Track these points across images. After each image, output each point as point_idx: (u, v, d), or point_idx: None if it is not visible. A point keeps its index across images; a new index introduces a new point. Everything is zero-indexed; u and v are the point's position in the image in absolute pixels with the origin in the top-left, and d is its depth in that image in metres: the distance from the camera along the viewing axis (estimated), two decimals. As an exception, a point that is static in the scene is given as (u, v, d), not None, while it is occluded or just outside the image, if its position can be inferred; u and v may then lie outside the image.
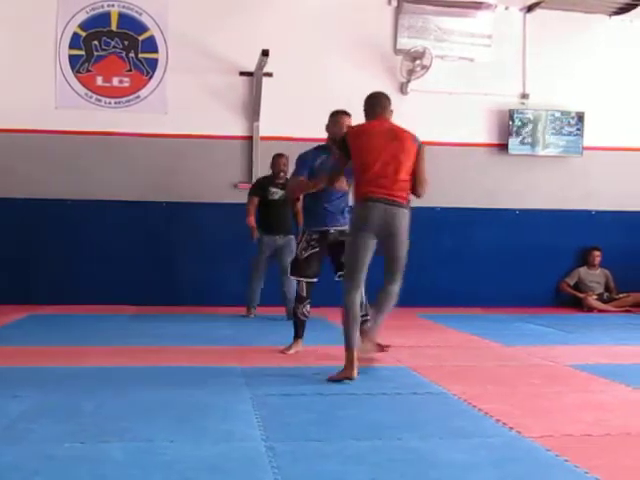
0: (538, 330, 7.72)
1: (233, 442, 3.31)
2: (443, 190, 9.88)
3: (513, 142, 10.00)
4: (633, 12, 10.11)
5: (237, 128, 9.60)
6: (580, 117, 10.06)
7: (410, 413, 3.92)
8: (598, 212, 9.85)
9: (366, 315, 5.57)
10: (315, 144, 9.76)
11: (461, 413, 3.94)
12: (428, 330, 7.68)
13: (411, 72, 9.67)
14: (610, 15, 10.31)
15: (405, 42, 9.81)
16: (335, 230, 5.82)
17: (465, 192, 9.96)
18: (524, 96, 10.10)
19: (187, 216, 9.48)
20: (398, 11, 9.87)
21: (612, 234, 9.79)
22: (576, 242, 9.96)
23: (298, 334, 6.00)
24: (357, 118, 9.49)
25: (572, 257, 10.00)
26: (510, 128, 9.97)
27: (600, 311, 9.48)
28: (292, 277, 6.02)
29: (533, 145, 10.06)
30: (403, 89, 9.87)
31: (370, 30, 9.84)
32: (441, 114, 9.85)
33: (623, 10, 10.16)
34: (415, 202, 9.97)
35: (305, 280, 5.88)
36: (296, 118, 9.57)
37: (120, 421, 3.64)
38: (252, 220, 8.25)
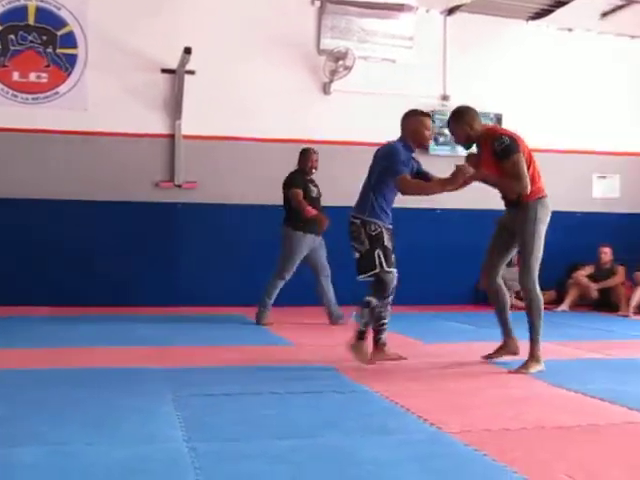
0: (458, 327, 7.87)
1: (154, 444, 3.27)
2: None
3: (434, 143, 10.15)
4: (549, 17, 10.39)
5: (159, 126, 9.50)
6: (499, 118, 10.28)
7: (333, 412, 3.93)
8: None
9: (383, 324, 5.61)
10: (239, 143, 9.79)
11: (383, 411, 3.97)
12: (350, 329, 7.70)
13: (334, 72, 9.72)
14: (527, 20, 10.57)
15: (328, 42, 9.86)
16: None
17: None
18: (445, 97, 10.28)
19: (107, 215, 9.33)
20: (321, 11, 9.91)
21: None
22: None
23: (365, 333, 5.46)
24: (283, 115, 9.52)
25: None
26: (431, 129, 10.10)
27: (518, 309, 9.69)
28: (388, 269, 5.46)
29: (453, 146, 10.22)
30: (326, 89, 9.93)
31: (293, 30, 9.86)
32: (363, 114, 9.94)
33: (539, 15, 10.44)
34: (338, 202, 10.08)
35: (396, 273, 5.54)
36: (219, 116, 9.54)
37: (32, 425, 3.53)
38: (311, 210, 7.72)
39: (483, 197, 10.14)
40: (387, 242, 5.49)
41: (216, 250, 9.60)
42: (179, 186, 9.51)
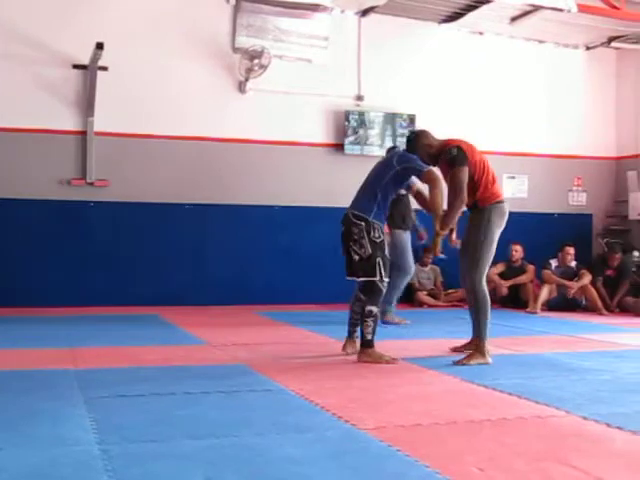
0: (373, 326, 7.93)
1: (65, 447, 3.20)
2: (282, 189, 10.01)
3: (348, 142, 10.24)
4: (460, 21, 10.61)
5: (70, 122, 9.31)
6: (412, 119, 10.44)
7: (247, 410, 3.92)
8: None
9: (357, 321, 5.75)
10: (153, 141, 9.66)
11: (298, 409, 3.99)
12: (265, 327, 7.73)
13: (249, 71, 9.70)
14: (439, 23, 10.77)
15: (244, 41, 9.83)
16: None
17: (303, 191, 10.11)
18: (359, 98, 10.37)
19: (16, 213, 9.08)
20: (236, 9, 9.88)
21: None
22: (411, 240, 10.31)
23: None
24: (197, 113, 9.45)
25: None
26: (346, 129, 10.21)
27: (430, 306, 9.88)
28: (386, 279, 5.45)
29: (367, 146, 10.34)
30: (241, 88, 9.90)
31: (208, 27, 9.80)
32: (279, 113, 9.96)
33: (451, 18, 10.64)
34: (253, 200, 10.07)
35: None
36: (133, 114, 9.41)
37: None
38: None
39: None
40: (387, 251, 5.58)
41: (129, 249, 9.46)
42: (91, 184, 9.33)
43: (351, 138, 10.26)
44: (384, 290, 5.50)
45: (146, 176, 9.56)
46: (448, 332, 7.15)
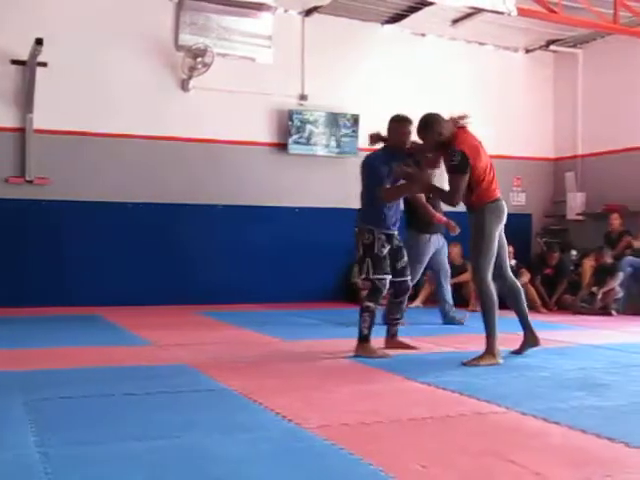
0: (315, 324, 7.97)
1: (3, 451, 3.13)
2: (224, 188, 9.97)
3: (292, 142, 10.25)
4: (403, 22, 10.71)
5: (8, 119, 9.13)
6: (355, 119, 10.49)
7: (190, 411, 3.90)
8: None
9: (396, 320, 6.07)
10: (94, 139, 9.53)
11: (241, 408, 3.98)
12: (209, 328, 7.70)
13: (193, 69, 9.64)
14: (382, 24, 10.85)
15: (187, 39, 9.76)
16: (394, 235, 5.88)
17: (246, 190, 10.08)
18: (303, 97, 10.39)
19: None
20: (180, 7, 9.81)
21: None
22: (352, 239, 10.33)
23: (370, 335, 5.74)
24: (139, 111, 9.34)
25: (347, 254, 10.37)
26: (289, 128, 10.21)
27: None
28: (378, 277, 5.69)
29: (311, 145, 10.36)
30: (184, 86, 9.83)
31: (151, 25, 9.72)
32: (223, 112, 9.93)
33: (394, 20, 10.73)
34: (196, 199, 10.01)
35: (389, 278, 5.78)
36: (73, 111, 9.28)
37: None
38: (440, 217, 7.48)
39: (342, 196, 10.40)
40: (378, 250, 5.70)
41: (70, 248, 9.32)
42: (30, 182, 9.16)
43: (295, 137, 10.27)
44: (381, 287, 5.72)
45: (87, 174, 9.43)
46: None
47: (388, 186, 5.71)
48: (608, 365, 5.46)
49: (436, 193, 5.77)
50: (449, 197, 5.36)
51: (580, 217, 11.45)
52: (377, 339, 5.91)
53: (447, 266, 8.11)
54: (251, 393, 4.27)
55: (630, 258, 9.52)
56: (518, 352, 5.73)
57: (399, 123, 5.79)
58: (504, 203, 5.49)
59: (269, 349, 6.14)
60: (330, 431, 3.46)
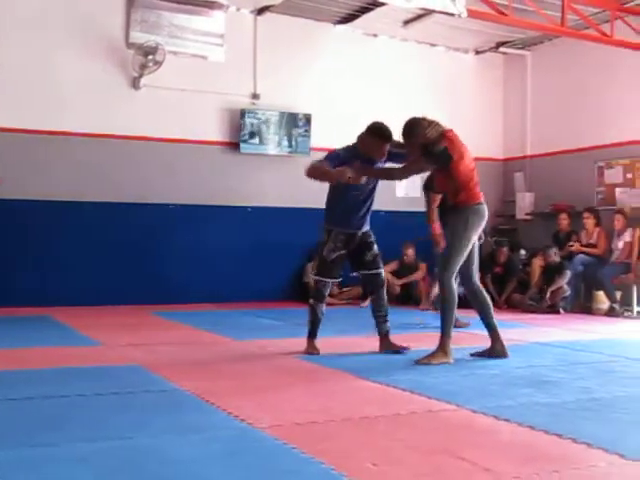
0: (269, 324, 7.97)
1: (-51, 454, 3.08)
2: (177, 187, 9.91)
3: (244, 141, 10.22)
4: (355, 23, 10.75)
5: (-47, 117, 8.93)
6: (308, 119, 10.50)
7: (142, 411, 3.87)
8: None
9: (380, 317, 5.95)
10: (43, 137, 9.39)
11: (194, 409, 3.96)
12: (162, 327, 7.65)
13: (144, 67, 9.56)
14: (335, 24, 10.88)
15: (138, 36, 9.68)
16: (361, 232, 5.78)
17: (198, 189, 10.03)
18: (255, 96, 10.36)
19: None
20: (130, 4, 9.72)
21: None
22: (306, 238, 10.35)
23: (315, 334, 5.83)
24: (89, 109, 9.22)
25: (301, 253, 10.41)
26: (241, 127, 10.18)
27: (327, 304, 9.92)
28: (316, 277, 5.79)
29: (263, 145, 10.35)
30: (135, 84, 9.74)
31: (101, 22, 9.61)
32: (174, 111, 9.86)
33: (346, 20, 10.76)
34: (148, 199, 9.92)
35: (331, 281, 5.84)
36: (23, 109, 9.14)
37: None
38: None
39: (295, 196, 10.41)
40: (327, 253, 5.70)
41: (19, 248, 9.16)
42: (-22, 181, 8.99)
43: (247, 137, 10.24)
44: (320, 288, 5.79)
45: (37, 173, 9.28)
46: (340, 330, 7.22)
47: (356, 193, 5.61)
48: (556, 362, 5.56)
49: (376, 173, 5.57)
50: (400, 171, 5.43)
51: (529, 217, 11.62)
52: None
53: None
54: (203, 393, 4.25)
55: (581, 256, 9.69)
56: (483, 356, 5.68)
57: (376, 139, 5.59)
58: (485, 207, 5.47)
59: (222, 349, 6.12)
60: (282, 431, 3.46)
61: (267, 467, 2.97)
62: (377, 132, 5.60)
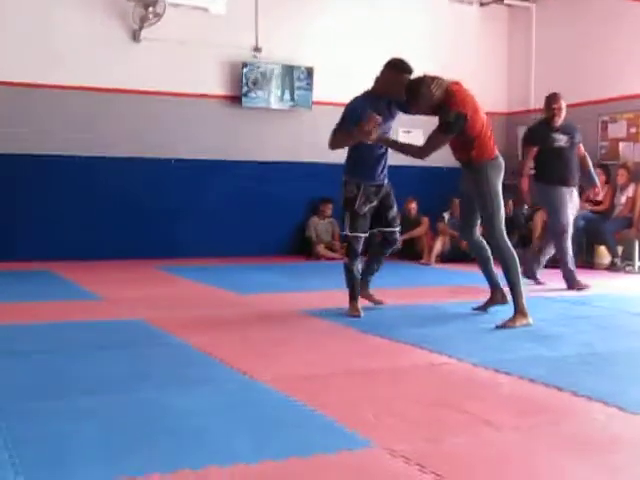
0: (271, 278, 7.98)
1: (-46, 406, 3.11)
2: (178, 142, 9.86)
3: (246, 95, 10.13)
4: (360, -26, 10.57)
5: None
6: (310, 72, 10.40)
7: (146, 365, 3.90)
8: (328, 165, 10.15)
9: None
10: (40, 90, 9.26)
11: (196, 361, 3.99)
12: (163, 282, 7.66)
13: (144, 19, 9.43)
14: (338, -25, 10.70)
15: (137, -12, 9.51)
16: (386, 183, 5.65)
17: (199, 144, 9.97)
18: (257, 49, 10.24)
19: None
20: (129, -45, 9.53)
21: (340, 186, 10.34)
22: (308, 193, 10.35)
23: (356, 295, 5.61)
24: (88, 62, 9.09)
25: (304, 208, 10.39)
26: (243, 81, 10.09)
27: (327, 259, 9.97)
28: (352, 234, 5.50)
29: (265, 98, 10.26)
30: (135, 36, 9.62)
31: (99, -27, 9.45)
32: (174, 63, 9.75)
33: (349, -29, 10.58)
34: (149, 153, 9.86)
35: (364, 236, 5.60)
36: (19, 61, 9.04)
37: None
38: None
39: (297, 150, 10.36)
40: (359, 206, 5.49)
41: (14, 201, 9.12)
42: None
43: (248, 90, 10.15)
44: (355, 245, 5.55)
45: (34, 127, 9.19)
46: (342, 284, 7.23)
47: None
48: (557, 317, 5.59)
49: (396, 147, 5.43)
50: (420, 152, 5.17)
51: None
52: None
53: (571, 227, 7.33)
54: (206, 346, 4.28)
55: (584, 212, 9.67)
56: (482, 309, 5.69)
57: (397, 73, 5.33)
58: (502, 160, 5.35)
59: (225, 303, 6.15)
60: (283, 383, 3.49)
61: (269, 419, 3.00)
62: (398, 65, 5.39)
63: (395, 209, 5.76)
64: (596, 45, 10.57)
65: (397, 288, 7.10)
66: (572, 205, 7.25)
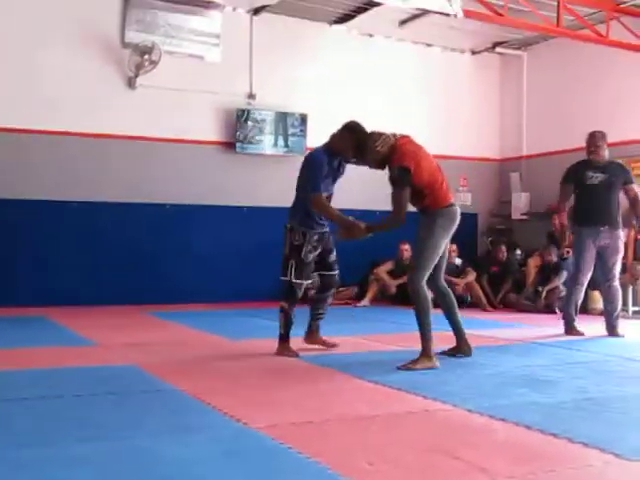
0: (263, 324, 7.95)
1: (-55, 454, 3.08)
2: (172, 187, 9.91)
3: (240, 141, 10.22)
4: (350, 22, 10.77)
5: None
6: (303, 118, 10.50)
7: (138, 411, 3.87)
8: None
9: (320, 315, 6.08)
10: (37, 136, 9.33)
11: (190, 409, 3.96)
12: (157, 327, 7.64)
13: (140, 67, 9.55)
14: (331, 24, 10.89)
15: (133, 36, 9.67)
16: (326, 230, 5.80)
17: (194, 189, 10.02)
18: (251, 96, 10.36)
19: None
20: (126, 4, 9.71)
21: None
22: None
23: (288, 335, 5.81)
24: (84, 108, 9.20)
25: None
26: (237, 127, 10.18)
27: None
28: (297, 281, 5.68)
29: (259, 144, 10.34)
30: (131, 83, 9.73)
31: (97, 21, 9.60)
32: (170, 110, 9.86)
33: (342, 20, 10.77)
34: (144, 198, 9.90)
35: (307, 283, 5.83)
36: (15, 108, 9.11)
37: None
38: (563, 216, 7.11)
39: (290, 195, 10.38)
40: (305, 255, 5.68)
41: (11, 248, 9.15)
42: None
43: (242, 136, 10.23)
44: (297, 291, 5.75)
45: (29, 172, 9.27)
46: (338, 329, 7.21)
47: (324, 194, 5.66)
48: (551, 362, 5.57)
49: (382, 227, 5.51)
50: (394, 216, 5.24)
51: (524, 217, 11.64)
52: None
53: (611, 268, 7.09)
54: (200, 393, 4.25)
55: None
56: (447, 354, 5.67)
57: (353, 135, 5.56)
58: (458, 209, 5.38)
59: (217, 349, 6.12)
60: (278, 430, 3.46)
61: (264, 467, 2.97)
62: (352, 128, 5.61)
63: (334, 253, 5.95)
64: (587, 92, 10.73)
65: (391, 334, 7.10)
66: (593, 247, 6.97)
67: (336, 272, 5.98)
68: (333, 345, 6.05)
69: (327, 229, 5.84)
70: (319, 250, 5.79)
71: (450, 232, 5.36)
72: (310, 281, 5.87)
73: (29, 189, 9.25)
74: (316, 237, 5.74)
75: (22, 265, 9.19)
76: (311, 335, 6.08)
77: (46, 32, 9.30)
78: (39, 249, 9.26)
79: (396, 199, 5.19)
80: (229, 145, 10.27)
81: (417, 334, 5.30)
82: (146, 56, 9.51)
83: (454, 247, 10.13)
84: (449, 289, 5.71)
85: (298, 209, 5.77)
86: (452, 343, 5.75)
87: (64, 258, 9.38)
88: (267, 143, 10.40)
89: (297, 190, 5.84)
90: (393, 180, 5.21)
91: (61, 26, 9.39)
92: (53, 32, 9.34)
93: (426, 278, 5.31)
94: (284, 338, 5.78)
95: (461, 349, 5.69)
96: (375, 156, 5.29)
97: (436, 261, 5.34)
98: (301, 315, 6.01)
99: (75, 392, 4.28)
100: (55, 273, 9.30)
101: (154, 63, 9.52)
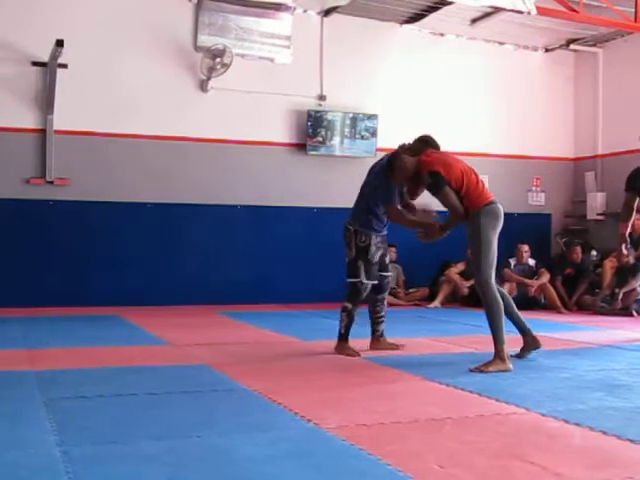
0: (334, 324, 7.94)
1: (24, 449, 3.16)
2: (243, 189, 9.99)
3: (311, 142, 10.25)
4: (421, 22, 10.69)
5: (29, 120, 9.20)
6: (374, 119, 10.47)
7: (210, 410, 3.91)
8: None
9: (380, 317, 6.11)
10: (114, 139, 9.52)
11: (261, 408, 3.99)
12: (228, 327, 7.72)
13: (212, 70, 9.67)
14: (401, 24, 10.83)
15: (205, 39, 9.79)
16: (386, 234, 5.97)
17: (265, 190, 10.09)
18: (321, 98, 10.38)
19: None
20: (198, 8, 9.84)
21: (405, 232, 10.30)
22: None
23: (348, 334, 5.89)
24: (158, 112, 9.36)
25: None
26: (308, 128, 10.21)
27: (391, 305, 9.88)
28: (365, 281, 5.79)
29: (330, 146, 10.36)
30: (203, 86, 9.86)
31: (170, 26, 9.75)
32: (241, 113, 9.95)
33: (413, 20, 10.71)
34: (216, 200, 10.01)
35: (372, 284, 5.88)
36: (94, 112, 9.33)
37: None
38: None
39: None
40: (372, 255, 5.78)
41: (89, 248, 9.38)
42: (51, 182, 9.22)
43: (314, 138, 10.27)
44: (363, 292, 5.83)
45: (107, 175, 9.48)
46: (408, 331, 7.20)
47: (398, 206, 5.74)
48: (628, 366, 5.43)
49: (450, 225, 5.46)
50: (454, 214, 5.32)
51: (600, 217, 11.37)
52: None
53: None
54: (270, 393, 4.27)
55: None
56: (519, 356, 5.59)
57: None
58: (500, 206, 5.38)
59: (288, 349, 6.15)
60: (348, 431, 3.46)
61: (334, 468, 2.97)
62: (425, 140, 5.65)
63: (388, 256, 6.10)
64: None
65: (463, 335, 7.03)
66: None
67: (389, 273, 6.15)
68: (400, 347, 6.04)
69: (386, 232, 5.94)
70: (382, 251, 5.88)
71: (497, 229, 5.34)
72: (377, 281, 5.88)
73: (106, 191, 9.46)
74: (379, 239, 5.84)
75: (98, 265, 9.40)
76: (377, 341, 6.08)
77: (123, 39, 9.50)
78: (115, 250, 9.46)
79: (445, 200, 5.30)
80: (300, 146, 10.32)
81: (489, 336, 5.23)
82: (218, 59, 9.62)
83: (526, 248, 9.97)
84: (500, 287, 5.62)
85: (362, 212, 5.84)
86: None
87: (138, 259, 9.56)
88: (337, 144, 10.40)
89: (363, 194, 5.90)
90: (430, 187, 5.35)
91: (137, 32, 9.58)
92: (130, 38, 9.54)
93: (493, 277, 5.27)
94: (344, 337, 5.85)
95: (529, 345, 5.62)
96: (405, 173, 5.44)
97: (495, 256, 5.30)
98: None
99: (148, 390, 4.35)
100: (128, 273, 9.49)
101: (226, 66, 9.63)
